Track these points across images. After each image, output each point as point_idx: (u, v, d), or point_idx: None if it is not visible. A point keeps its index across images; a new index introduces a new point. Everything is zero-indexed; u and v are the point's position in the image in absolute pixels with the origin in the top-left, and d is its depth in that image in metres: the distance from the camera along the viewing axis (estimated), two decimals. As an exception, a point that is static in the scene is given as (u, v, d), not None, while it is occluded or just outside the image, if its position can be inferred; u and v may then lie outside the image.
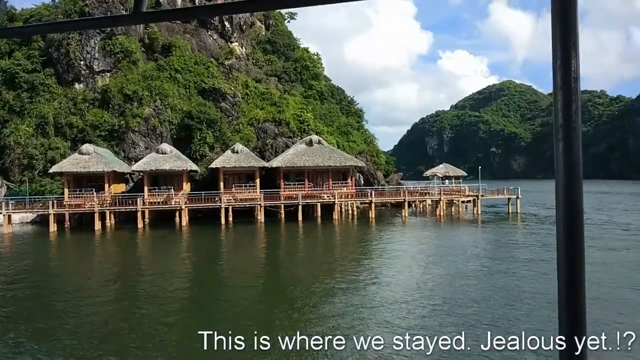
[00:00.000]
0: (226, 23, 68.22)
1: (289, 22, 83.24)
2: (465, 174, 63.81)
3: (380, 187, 55.86)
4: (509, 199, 48.11)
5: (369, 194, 47.71)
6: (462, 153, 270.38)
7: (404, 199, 47.16)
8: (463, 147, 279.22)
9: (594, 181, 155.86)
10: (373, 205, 46.21)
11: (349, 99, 76.39)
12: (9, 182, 52.06)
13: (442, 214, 47.22)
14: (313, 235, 39.48)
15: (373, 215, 45.89)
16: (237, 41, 70.25)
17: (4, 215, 39.92)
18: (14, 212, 41.90)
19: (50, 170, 45.27)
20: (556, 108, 0.88)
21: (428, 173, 65.08)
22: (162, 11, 1.68)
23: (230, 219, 45.59)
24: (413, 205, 55.93)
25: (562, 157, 0.84)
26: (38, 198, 47.14)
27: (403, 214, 46.85)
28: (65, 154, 51.77)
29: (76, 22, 1.85)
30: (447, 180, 60.37)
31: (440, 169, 64.05)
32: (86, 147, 46.31)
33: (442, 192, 48.91)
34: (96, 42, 57.21)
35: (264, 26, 76.17)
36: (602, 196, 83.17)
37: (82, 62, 56.52)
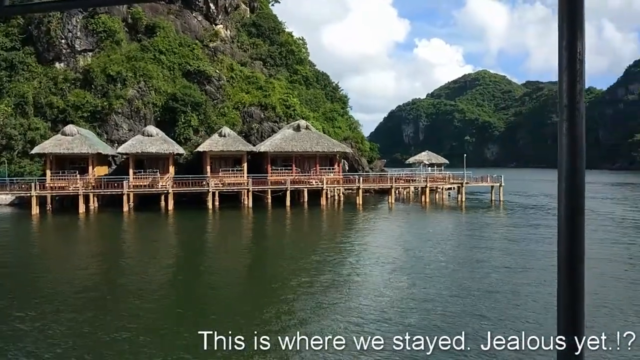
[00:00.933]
0: (211, 5, 67.05)
1: (273, 5, 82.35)
2: (447, 161, 64.76)
3: (365, 173, 56.34)
4: (492, 186, 48.95)
5: (356, 180, 48.02)
6: (437, 141, 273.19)
7: (391, 186, 47.66)
8: (438, 135, 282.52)
9: None
10: (360, 191, 46.56)
11: (334, 84, 76.38)
12: (-14, 162, 50.49)
13: (427, 200, 47.98)
14: (304, 221, 39.50)
15: (360, 202, 46.28)
16: (221, 23, 69.19)
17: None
18: (-3, 194, 40.81)
19: (33, 151, 44.08)
20: (561, 89, 0.85)
21: (411, 160, 65.70)
22: None
23: (217, 203, 45.34)
24: (397, 192, 56.61)
25: (566, 137, 0.83)
26: (17, 179, 45.92)
27: (389, 200, 47.41)
28: (46, 134, 50.44)
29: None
30: (429, 168, 61.15)
31: (424, 156, 64.78)
32: (70, 127, 45.23)
33: (427, 180, 49.41)
34: (78, 20, 55.57)
35: (248, 9, 75.13)
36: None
37: (63, 41, 54.87)
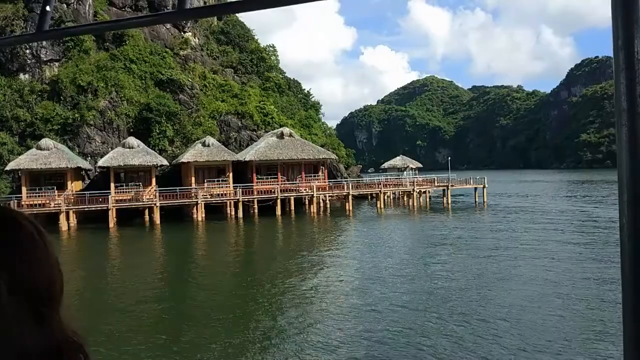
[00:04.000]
0: (179, 12, 65.38)
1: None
2: (420, 165, 65.90)
3: (344, 179, 56.27)
4: (476, 188, 49.87)
5: (345, 186, 47.87)
6: (390, 146, 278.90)
7: (380, 191, 47.78)
8: (391, 140, 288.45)
9: (516, 171, 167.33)
10: (350, 197, 46.30)
11: (305, 91, 76.15)
12: (-55, 181, 46.70)
13: (414, 204, 48.41)
14: (301, 232, 38.01)
15: (350, 208, 46.02)
16: (190, 31, 67.67)
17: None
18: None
19: (8, 167, 41.14)
20: (618, 91, 0.75)
21: (386, 165, 66.50)
22: (203, 7, 1.82)
23: (203, 215, 43.84)
24: (373, 197, 56.67)
25: (627, 144, 0.73)
26: (-16, 199, 42.74)
27: (378, 205, 47.42)
28: (14, 149, 47.30)
29: (119, 22, 1.88)
30: (405, 172, 61.91)
31: (398, 161, 65.73)
32: (45, 141, 42.64)
33: (415, 183, 49.91)
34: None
35: (216, 16, 73.86)
36: (543, 184, 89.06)
37: (27, 51, 51.74)
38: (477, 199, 49.65)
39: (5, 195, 43.23)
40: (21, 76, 52.07)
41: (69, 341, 0.76)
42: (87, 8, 57.78)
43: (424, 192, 53.27)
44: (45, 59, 53.03)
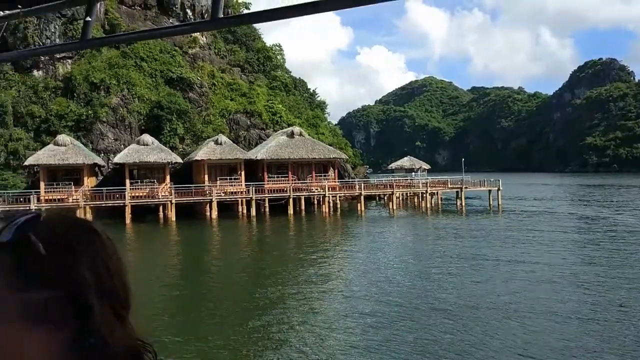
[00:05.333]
0: (188, 10, 66.10)
1: (242, 11, 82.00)
2: (429, 166, 66.50)
3: (351, 179, 56.95)
4: (490, 191, 49.73)
5: (356, 186, 48.46)
6: (389, 147, 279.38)
7: (392, 192, 48.24)
8: (390, 141, 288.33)
9: (519, 174, 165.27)
10: (362, 198, 46.87)
11: (311, 91, 76.84)
12: (-39, 176, 47.22)
13: (427, 206, 48.76)
14: (315, 231, 38.10)
15: (362, 209, 46.55)
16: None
17: (-22, 212, 36.33)
18: (-12, 209, 38.32)
19: (26, 162, 41.75)
20: None
21: (393, 166, 67.08)
22: (236, 16, 1.86)
23: (216, 213, 44.35)
24: (377, 198, 57.06)
25: None
26: (5, 193, 43.04)
27: (390, 206, 47.82)
28: (29, 145, 47.92)
29: (155, 31, 2.01)
30: (413, 173, 62.42)
31: (405, 162, 66.38)
32: (62, 137, 43.26)
33: (428, 185, 50.26)
34: (57, 26, 53.24)
35: (222, 15, 74.34)
36: (553, 188, 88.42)
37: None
38: (491, 202, 48.91)
39: (22, 190, 43.75)
40: (35, 73, 52.63)
41: (142, 340, 0.81)
42: (98, 6, 58.33)
43: (434, 193, 53.12)
44: (58, 56, 53.57)
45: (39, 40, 52.33)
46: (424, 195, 49.41)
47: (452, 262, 23.04)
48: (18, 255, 0.71)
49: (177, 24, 67.17)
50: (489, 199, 49.20)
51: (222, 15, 1.57)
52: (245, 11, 79.77)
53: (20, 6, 1.87)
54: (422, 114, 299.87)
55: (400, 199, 53.65)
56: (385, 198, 53.21)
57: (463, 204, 48.28)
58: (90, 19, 1.75)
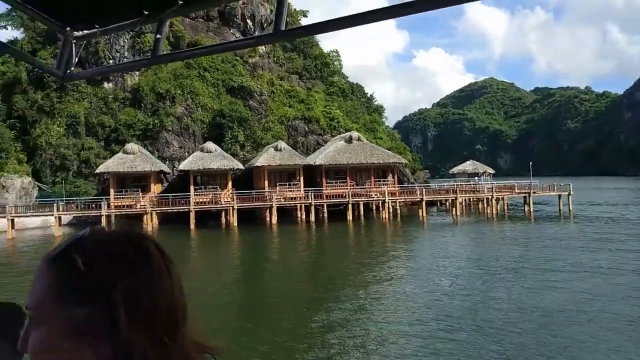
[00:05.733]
0: (248, 21, 67.56)
1: (300, 19, 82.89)
2: (493, 170, 64.20)
3: (411, 184, 55.92)
4: (560, 195, 47.18)
5: (417, 191, 47.46)
6: (447, 150, 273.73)
7: (455, 197, 46.85)
8: (448, 145, 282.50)
9: (587, 177, 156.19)
10: (424, 204, 45.83)
11: (368, 95, 76.43)
12: (40, 183, 50.46)
13: (492, 212, 46.97)
14: (376, 238, 37.37)
15: (424, 215, 45.50)
16: (257, 39, 69.73)
17: (55, 217, 38.65)
18: (64, 214, 40.67)
19: (97, 170, 44.06)
20: None
21: (455, 170, 65.37)
22: (297, 28, 1.84)
23: (275, 218, 44.71)
24: (439, 204, 55.68)
25: None
26: (73, 199, 45.59)
27: (454, 212, 46.42)
28: (100, 153, 50.52)
29: (224, 45, 1.98)
30: (476, 177, 60.47)
31: (468, 166, 64.50)
32: (131, 146, 45.26)
33: (493, 190, 48.38)
34: (125, 40, 55.99)
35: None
36: (629, 192, 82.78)
37: (111, 61, 55.16)
38: (561, 208, 46.53)
39: (93, 197, 46.10)
40: (105, 85, 55.50)
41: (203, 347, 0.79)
42: (167, 24, 60.82)
43: (500, 199, 50.99)
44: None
45: (109, 53, 55.21)
46: (490, 200, 47.55)
47: (525, 273, 21.80)
48: (62, 271, 0.74)
49: (240, 37, 69.23)
50: (559, 204, 46.72)
51: (284, 28, 1.61)
52: (304, 19, 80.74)
53: (97, 26, 2.00)
54: (483, 117, 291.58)
55: (463, 204, 52.09)
56: (447, 204, 51.85)
57: (531, 210, 45.98)
58: (160, 37, 1.87)
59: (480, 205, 50.85)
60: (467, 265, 24.64)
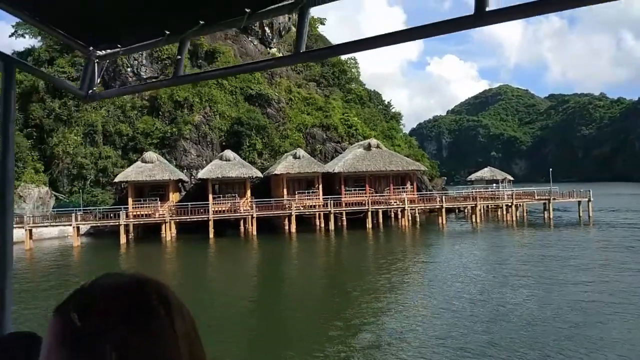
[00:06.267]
0: (266, 28, 67.40)
1: (318, 27, 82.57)
2: (511, 177, 63.01)
3: (429, 191, 54.96)
4: (579, 202, 46.55)
5: (437, 198, 46.54)
6: (462, 157, 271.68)
7: (475, 204, 45.92)
8: (462, 152, 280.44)
9: (603, 183, 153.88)
10: (444, 211, 44.89)
11: (386, 103, 75.70)
12: (57, 193, 50.31)
13: (512, 219, 46.01)
14: (397, 246, 36.36)
15: (444, 222, 44.62)
16: (275, 47, 69.48)
17: (73, 227, 38.29)
18: (82, 224, 40.34)
19: (116, 179, 43.71)
20: None
21: (473, 177, 64.27)
22: (316, 50, 1.81)
23: (294, 227, 43.97)
24: (457, 211, 54.68)
25: None
26: (90, 209, 45.24)
27: (473, 219, 45.51)
28: (117, 162, 50.30)
29: (245, 66, 2.01)
30: (494, 184, 59.34)
31: (486, 172, 63.40)
32: (149, 155, 44.95)
33: (513, 196, 47.47)
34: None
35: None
36: None
37: (129, 70, 55.17)
38: (581, 214, 45.94)
39: (110, 206, 45.76)
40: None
41: None
42: (187, 44, 60.86)
43: (519, 205, 50.15)
44: (145, 77, 56.14)
45: (127, 61, 55.16)
46: (509, 207, 46.56)
47: (553, 279, 21.06)
48: (61, 323, 0.73)
49: (257, 45, 68.98)
50: (579, 210, 46.16)
51: (303, 50, 1.63)
52: (321, 27, 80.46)
53: (119, 45, 2.06)
54: (497, 123, 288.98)
55: (481, 211, 51.21)
56: (466, 211, 50.92)
57: (551, 217, 45.21)
58: (181, 57, 1.97)
59: (499, 212, 49.94)
60: (493, 272, 23.93)
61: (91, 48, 2.10)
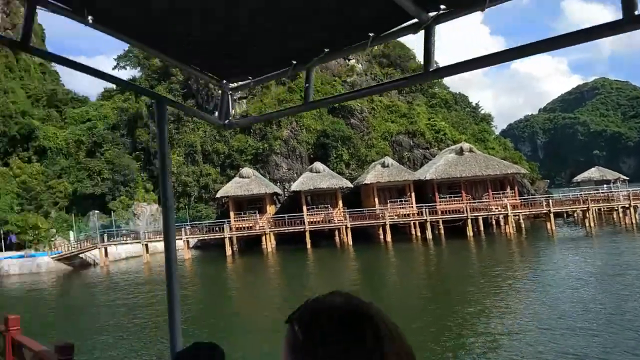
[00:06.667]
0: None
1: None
2: (625, 177, 57.92)
3: (531, 196, 51.96)
4: None
5: (543, 203, 43.76)
6: (560, 158, 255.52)
7: (587, 207, 42.59)
8: (561, 152, 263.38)
9: None
10: (552, 216, 42.03)
11: (473, 105, 73.24)
12: (164, 210, 53.97)
13: (632, 222, 42.05)
14: (504, 255, 33.65)
15: (553, 228, 41.78)
16: (354, 58, 70.00)
17: (184, 240, 40.89)
18: (191, 237, 43.00)
19: (218, 195, 46.26)
20: None
21: (579, 178, 60.00)
22: (448, 66, 1.77)
23: (389, 237, 43.41)
24: (565, 215, 50.85)
25: None
26: (196, 223, 47.90)
27: (587, 224, 42.19)
28: (217, 179, 53.07)
29: (381, 86, 2.05)
30: (605, 185, 54.74)
31: (594, 173, 58.97)
32: (246, 170, 47.09)
33: (631, 198, 43.36)
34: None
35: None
36: None
37: (220, 92, 58.14)
38: None
39: (213, 220, 48.31)
40: (216, 114, 58.33)
41: None
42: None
43: (637, 207, 45.53)
44: (235, 98, 58.64)
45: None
46: (627, 209, 42.63)
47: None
48: (290, 334, 0.78)
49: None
50: None
51: (434, 68, 1.68)
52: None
53: (250, 77, 2.22)
54: (598, 119, 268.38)
55: (594, 215, 47.19)
56: (576, 215, 47.42)
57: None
58: (309, 85, 2.04)
59: (614, 215, 45.90)
60: (622, 283, 21.34)
61: (224, 81, 2.28)
